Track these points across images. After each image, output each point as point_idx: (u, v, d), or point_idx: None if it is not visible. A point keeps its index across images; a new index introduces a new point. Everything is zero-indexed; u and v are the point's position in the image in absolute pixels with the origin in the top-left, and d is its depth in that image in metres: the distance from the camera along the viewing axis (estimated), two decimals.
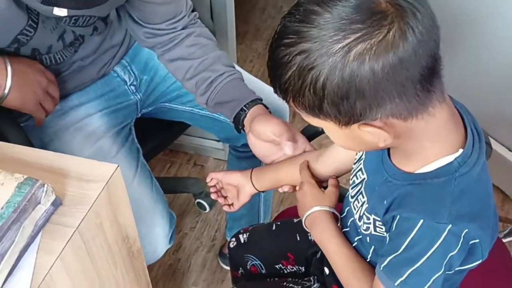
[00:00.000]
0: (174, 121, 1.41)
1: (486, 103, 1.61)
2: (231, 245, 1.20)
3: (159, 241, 1.22)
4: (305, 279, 1.08)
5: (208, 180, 1.14)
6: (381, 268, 0.79)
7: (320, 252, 1.03)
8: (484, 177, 0.77)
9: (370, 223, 0.84)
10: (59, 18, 1.03)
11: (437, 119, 0.70)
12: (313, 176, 1.01)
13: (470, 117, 0.77)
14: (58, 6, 0.93)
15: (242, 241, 1.18)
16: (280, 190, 1.08)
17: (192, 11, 1.20)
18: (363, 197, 0.86)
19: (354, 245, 0.92)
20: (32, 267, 0.69)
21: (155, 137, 1.46)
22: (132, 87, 1.33)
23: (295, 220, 1.15)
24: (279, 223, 1.18)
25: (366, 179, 0.86)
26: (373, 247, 0.88)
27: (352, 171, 0.91)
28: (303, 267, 1.13)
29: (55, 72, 1.15)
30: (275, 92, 0.72)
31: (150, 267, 1.02)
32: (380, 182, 0.81)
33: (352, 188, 0.90)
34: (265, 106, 1.13)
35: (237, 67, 1.24)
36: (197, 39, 1.19)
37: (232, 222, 1.62)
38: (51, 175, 0.78)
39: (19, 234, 0.69)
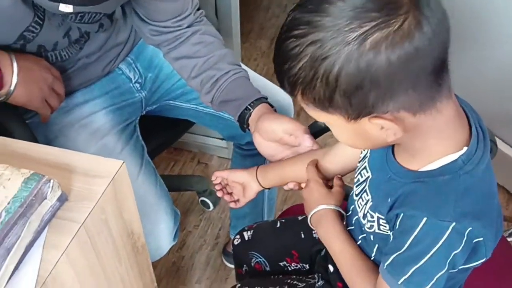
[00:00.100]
0: (178, 119, 1.41)
1: (492, 102, 1.61)
2: (236, 242, 1.20)
3: (163, 238, 1.22)
4: (309, 276, 1.08)
5: (213, 178, 1.14)
6: (385, 267, 0.79)
7: (324, 249, 1.03)
8: (488, 175, 0.76)
9: (374, 221, 0.84)
10: (65, 15, 1.03)
11: (443, 116, 0.70)
12: (320, 174, 1.01)
13: (475, 115, 0.77)
14: (64, 2, 0.93)
15: (247, 238, 1.18)
16: (286, 187, 1.08)
17: (198, 9, 1.21)
18: (367, 195, 0.86)
19: (358, 243, 0.92)
20: (38, 262, 0.70)
21: (160, 135, 1.46)
22: (137, 85, 1.33)
23: (300, 218, 1.15)
24: (283, 220, 1.19)
25: (370, 177, 0.86)
26: (377, 245, 0.88)
27: (357, 169, 0.91)
28: (307, 265, 1.13)
29: (60, 69, 1.16)
30: (282, 86, 0.71)
31: (154, 265, 1.02)
32: (384, 180, 0.81)
33: (356, 186, 0.90)
34: (270, 105, 1.13)
35: (243, 66, 1.24)
36: (202, 37, 1.19)
37: (236, 220, 1.63)
38: (57, 170, 0.78)
39: (25, 229, 0.69)
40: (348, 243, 0.92)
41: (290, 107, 1.35)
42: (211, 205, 1.82)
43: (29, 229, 0.70)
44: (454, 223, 0.72)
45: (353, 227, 0.93)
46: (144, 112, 1.37)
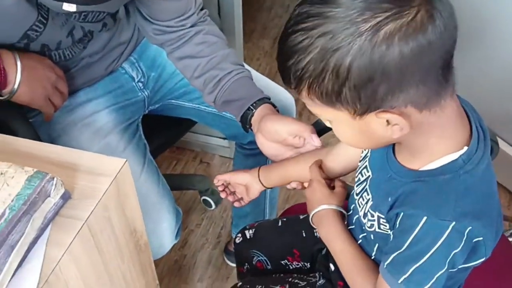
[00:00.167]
0: (181, 118, 1.41)
1: (494, 102, 1.61)
2: (237, 241, 1.20)
3: (166, 236, 1.22)
4: (311, 275, 1.08)
5: (215, 181, 1.13)
6: (385, 266, 0.80)
7: (325, 248, 1.04)
8: (488, 175, 0.77)
9: (374, 220, 0.84)
10: (68, 14, 1.04)
11: (446, 115, 0.71)
12: (322, 174, 1.01)
13: (475, 115, 0.77)
14: (68, 1, 0.93)
15: (248, 237, 1.19)
16: (289, 186, 1.08)
17: (201, 9, 1.21)
18: (368, 194, 0.86)
19: (359, 242, 0.92)
20: (41, 259, 0.70)
21: (162, 134, 1.46)
22: (140, 84, 1.33)
23: (301, 217, 1.15)
24: (285, 219, 1.19)
25: (371, 176, 0.86)
26: (377, 244, 0.88)
27: (357, 168, 0.91)
28: (308, 263, 1.13)
29: (63, 68, 1.16)
30: (287, 82, 0.70)
31: (156, 263, 1.02)
32: (385, 179, 0.81)
33: (357, 186, 0.90)
34: (273, 105, 1.13)
35: (245, 66, 1.24)
36: (205, 37, 1.19)
37: (237, 219, 1.63)
38: (60, 169, 0.79)
39: (29, 226, 0.69)
40: (348, 242, 0.92)
41: (292, 107, 1.35)
42: (213, 204, 1.82)
43: (33, 226, 0.70)
44: (454, 223, 0.72)
45: (353, 226, 0.94)
46: (146, 111, 1.37)
